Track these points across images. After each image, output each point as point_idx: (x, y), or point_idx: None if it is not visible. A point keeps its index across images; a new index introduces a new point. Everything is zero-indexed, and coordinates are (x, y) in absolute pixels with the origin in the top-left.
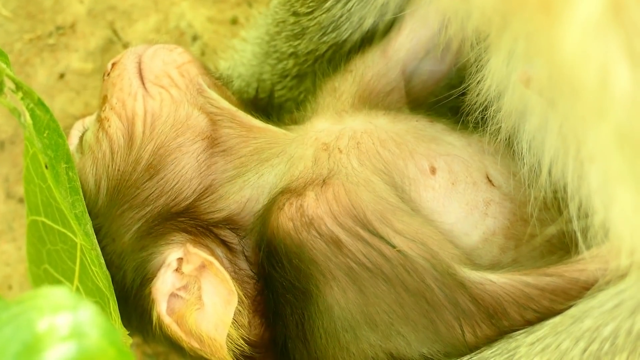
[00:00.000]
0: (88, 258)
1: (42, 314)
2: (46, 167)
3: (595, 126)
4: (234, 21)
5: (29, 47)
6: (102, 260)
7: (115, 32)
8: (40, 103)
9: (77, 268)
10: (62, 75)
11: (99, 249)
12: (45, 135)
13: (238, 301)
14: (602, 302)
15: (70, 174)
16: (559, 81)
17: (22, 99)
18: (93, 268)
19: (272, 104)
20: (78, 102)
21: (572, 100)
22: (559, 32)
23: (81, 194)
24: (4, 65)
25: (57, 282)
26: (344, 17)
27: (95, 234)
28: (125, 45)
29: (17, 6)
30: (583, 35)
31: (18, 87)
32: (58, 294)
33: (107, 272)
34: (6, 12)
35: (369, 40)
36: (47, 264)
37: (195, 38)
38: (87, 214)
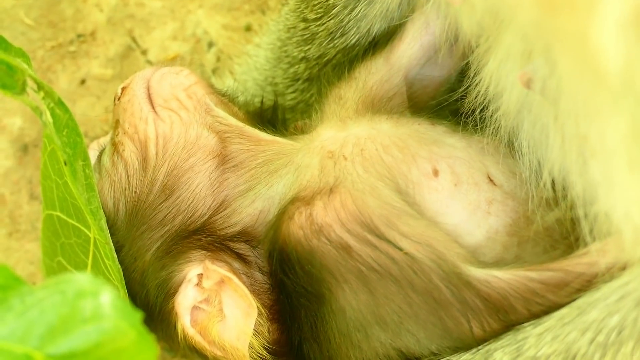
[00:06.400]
0: (102, 252)
1: (66, 298)
2: (65, 164)
3: (606, 120)
4: (248, 28)
5: (51, 54)
6: (115, 255)
7: (134, 39)
8: (60, 103)
9: (89, 261)
10: (83, 81)
11: (111, 244)
12: (64, 133)
13: (257, 313)
14: (607, 294)
15: (87, 171)
16: (569, 77)
17: (43, 98)
18: (106, 261)
19: (277, 115)
20: (98, 106)
21: (581, 96)
22: (582, 28)
23: (96, 190)
24: (25, 66)
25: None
26: (350, 23)
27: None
28: (144, 52)
29: (39, 15)
30: (611, 30)
31: (39, 87)
32: (81, 279)
33: (119, 266)
34: (29, 21)
35: (374, 46)
36: (60, 257)
37: (210, 45)
38: (102, 211)
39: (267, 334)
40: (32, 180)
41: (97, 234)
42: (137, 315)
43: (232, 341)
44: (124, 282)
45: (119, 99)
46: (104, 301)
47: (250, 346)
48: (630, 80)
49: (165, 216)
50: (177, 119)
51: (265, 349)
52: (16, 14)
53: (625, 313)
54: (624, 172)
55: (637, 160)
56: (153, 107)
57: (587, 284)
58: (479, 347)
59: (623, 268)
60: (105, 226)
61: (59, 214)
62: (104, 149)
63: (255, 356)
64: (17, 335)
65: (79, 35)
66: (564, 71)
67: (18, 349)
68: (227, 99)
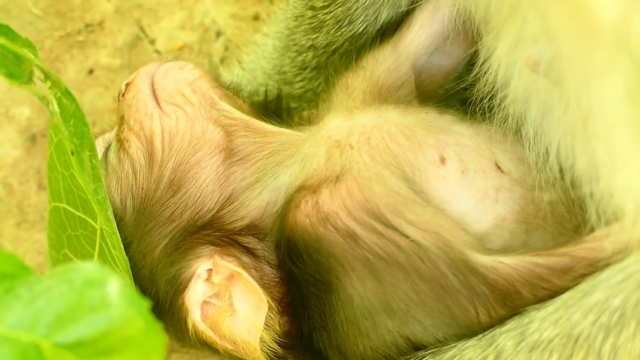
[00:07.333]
0: (109, 242)
1: (74, 287)
2: (72, 153)
3: (605, 82)
4: (256, 17)
5: (59, 44)
6: (122, 245)
7: (142, 29)
8: (67, 92)
9: (95, 253)
10: (91, 71)
11: (118, 234)
12: (71, 123)
13: (267, 307)
14: (610, 276)
15: (94, 161)
16: (566, 40)
17: (50, 88)
18: (113, 252)
19: (282, 105)
20: (107, 96)
21: (581, 63)
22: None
23: (103, 181)
24: (32, 56)
25: None
26: (358, 11)
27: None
28: (152, 42)
29: (47, 5)
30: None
31: (46, 76)
32: (88, 268)
33: (126, 257)
34: (37, 11)
35: (382, 34)
36: (67, 249)
37: (219, 34)
38: (109, 201)
39: (277, 327)
40: (41, 171)
41: (104, 224)
42: (145, 304)
43: (243, 335)
44: (130, 272)
45: (123, 95)
46: (112, 290)
47: (261, 340)
48: (625, 35)
49: (173, 212)
50: (182, 114)
51: (276, 342)
52: (24, 4)
53: (627, 294)
54: (625, 142)
55: (637, 126)
56: (158, 103)
57: (593, 268)
58: (485, 333)
59: (627, 250)
60: (112, 216)
61: (65, 206)
62: (109, 146)
63: (266, 349)
64: (25, 324)
65: (87, 25)
66: (561, 34)
67: (26, 338)
68: (231, 92)
